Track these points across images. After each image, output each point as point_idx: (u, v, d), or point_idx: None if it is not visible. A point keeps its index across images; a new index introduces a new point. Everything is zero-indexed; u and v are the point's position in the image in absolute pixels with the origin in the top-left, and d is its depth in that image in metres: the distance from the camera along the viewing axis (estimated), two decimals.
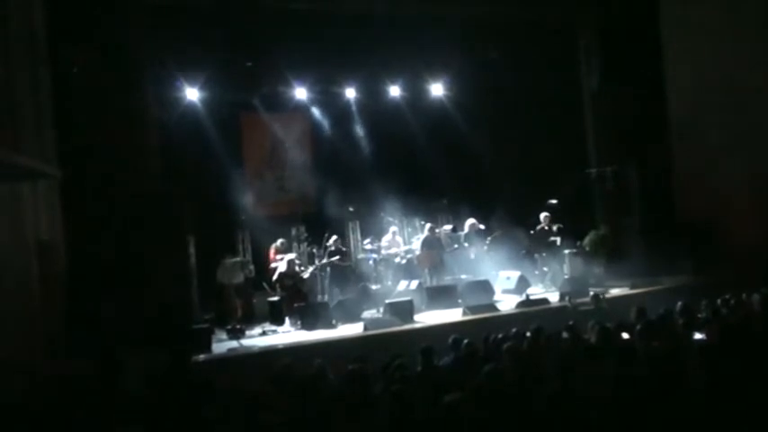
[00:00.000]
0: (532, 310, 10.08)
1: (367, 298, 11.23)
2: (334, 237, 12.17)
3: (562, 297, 10.63)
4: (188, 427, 5.46)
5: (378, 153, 14.44)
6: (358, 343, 8.98)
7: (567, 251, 12.37)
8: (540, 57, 13.69)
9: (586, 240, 13.02)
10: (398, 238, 13.05)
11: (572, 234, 12.71)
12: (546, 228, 12.66)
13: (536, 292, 11.78)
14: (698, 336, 6.22)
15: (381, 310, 10.65)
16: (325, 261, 11.73)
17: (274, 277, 11.30)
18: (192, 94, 12.70)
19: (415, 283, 11.44)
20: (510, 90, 14.22)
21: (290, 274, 11.16)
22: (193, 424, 5.41)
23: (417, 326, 9.86)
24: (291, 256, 11.54)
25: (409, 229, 13.70)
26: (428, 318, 10.32)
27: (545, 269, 12.64)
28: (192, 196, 10.86)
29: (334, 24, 12.10)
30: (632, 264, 11.83)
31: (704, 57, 12.69)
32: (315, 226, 12.88)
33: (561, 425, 4.13)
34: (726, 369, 4.74)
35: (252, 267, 11.66)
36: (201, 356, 8.73)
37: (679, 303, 7.31)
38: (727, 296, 7.91)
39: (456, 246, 12.80)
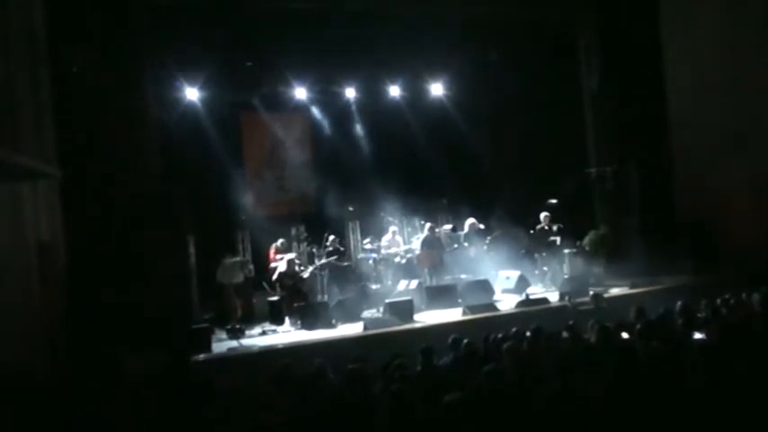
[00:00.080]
0: (532, 310, 10.08)
1: (367, 298, 11.23)
2: (331, 237, 12.18)
3: (562, 297, 10.63)
4: (188, 426, 5.46)
5: (378, 153, 14.46)
6: (358, 343, 8.97)
7: (566, 251, 12.37)
8: (540, 57, 13.70)
9: (586, 240, 13.03)
10: (398, 238, 13.06)
11: (572, 234, 12.71)
12: (546, 227, 12.66)
13: (536, 291, 11.77)
14: (697, 335, 6.22)
15: (381, 309, 10.64)
16: (322, 261, 11.73)
17: (274, 277, 11.31)
18: (192, 93, 12.72)
19: (414, 283, 11.44)
20: (510, 90, 14.23)
21: (290, 273, 11.17)
22: (193, 424, 5.41)
23: (417, 325, 9.85)
24: (291, 255, 11.54)
25: (409, 229, 13.71)
26: (428, 317, 10.32)
27: (545, 269, 12.63)
28: (192, 196, 10.86)
29: (334, 24, 12.10)
30: (632, 263, 11.82)
31: (704, 57, 12.69)
32: (315, 226, 12.89)
33: (561, 425, 4.13)
34: (725, 369, 4.74)
35: (251, 267, 11.67)
36: (201, 356, 8.72)
37: (679, 303, 7.30)
38: (726, 296, 7.91)
39: (456, 245, 12.80)
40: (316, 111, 14.41)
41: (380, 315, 10.47)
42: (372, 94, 14.46)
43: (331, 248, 11.94)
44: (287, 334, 10.03)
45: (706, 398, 4.37)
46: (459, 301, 10.96)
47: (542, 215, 12.71)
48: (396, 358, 6.17)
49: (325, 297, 11.49)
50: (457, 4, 12.62)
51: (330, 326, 10.08)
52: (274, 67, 12.98)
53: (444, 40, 12.69)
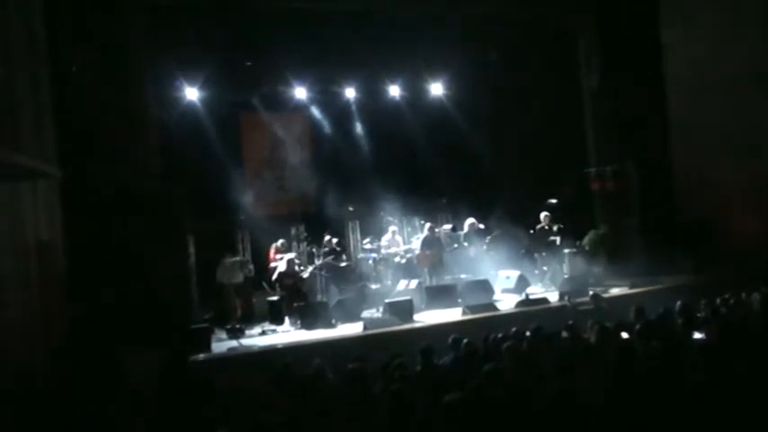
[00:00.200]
0: (532, 310, 10.08)
1: (366, 297, 11.24)
2: (327, 236, 12.18)
3: (562, 296, 10.63)
4: (188, 426, 5.47)
5: (377, 153, 14.46)
6: (357, 342, 8.97)
7: (566, 251, 12.38)
8: (539, 56, 13.71)
9: (586, 240, 13.03)
10: (398, 238, 13.06)
11: (572, 234, 12.72)
12: (546, 227, 12.66)
13: (536, 291, 11.77)
14: (697, 335, 6.23)
15: (381, 309, 10.65)
16: (319, 262, 11.72)
17: (274, 277, 11.31)
18: (192, 93, 12.73)
19: (414, 283, 11.44)
20: (510, 90, 14.24)
21: (290, 273, 11.17)
22: (193, 424, 5.42)
23: (417, 325, 9.85)
24: (291, 255, 11.54)
25: (409, 229, 13.71)
26: (428, 317, 10.32)
27: (544, 269, 12.64)
28: (192, 196, 10.87)
29: (334, 24, 12.10)
30: (632, 263, 11.83)
31: (704, 57, 12.69)
32: (314, 225, 12.90)
33: (561, 424, 4.14)
34: (725, 369, 4.74)
35: (251, 267, 11.67)
36: (201, 356, 8.73)
37: (678, 303, 7.31)
38: (726, 296, 7.91)
39: (456, 245, 12.81)
40: (315, 110, 14.42)
41: (380, 315, 10.47)
42: (372, 94, 14.46)
43: (327, 249, 11.94)
44: (287, 334, 10.04)
45: (706, 398, 4.37)
46: (459, 300, 10.96)
47: (542, 215, 12.72)
48: (395, 358, 6.17)
49: (325, 297, 11.49)
50: (457, 4, 12.61)
51: (330, 326, 10.08)
52: (274, 67, 12.98)
53: (444, 40, 12.69)
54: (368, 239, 12.92)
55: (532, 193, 13.52)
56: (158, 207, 9.66)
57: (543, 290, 12.03)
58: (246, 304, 11.16)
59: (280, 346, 9.11)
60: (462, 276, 12.24)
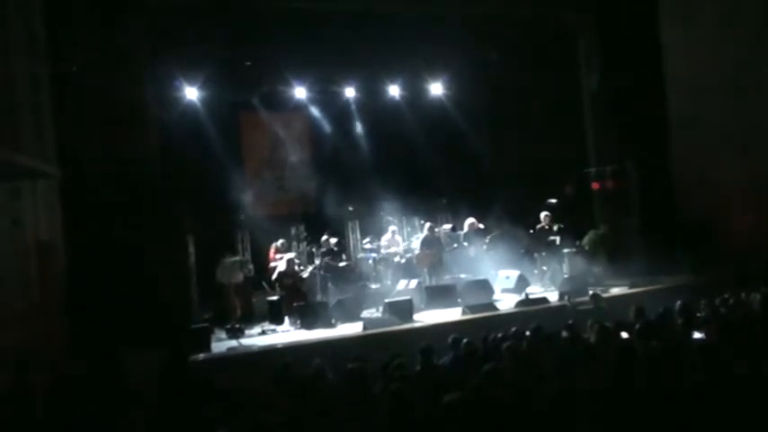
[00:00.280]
0: (532, 310, 10.07)
1: (366, 297, 11.24)
2: (324, 237, 12.18)
3: (561, 296, 10.63)
4: (188, 426, 5.47)
5: (377, 153, 14.46)
6: (357, 342, 8.97)
7: (566, 250, 12.38)
8: (539, 56, 13.70)
9: (586, 240, 13.03)
10: (398, 238, 13.06)
11: (572, 233, 12.72)
12: (546, 227, 12.66)
13: (535, 291, 11.77)
14: (697, 335, 6.23)
15: (381, 309, 10.65)
16: (317, 262, 11.71)
17: (274, 276, 11.32)
18: (192, 93, 12.73)
19: (414, 283, 11.44)
20: (510, 90, 14.23)
21: (290, 273, 11.17)
22: (193, 424, 5.42)
23: (417, 325, 9.85)
24: (291, 255, 11.54)
25: (408, 229, 13.71)
26: (427, 317, 10.32)
27: (544, 268, 12.63)
28: (192, 196, 10.87)
29: (334, 24, 12.09)
30: (632, 263, 11.83)
31: (704, 57, 12.69)
32: (314, 225, 12.91)
33: (561, 424, 4.14)
34: (725, 369, 4.75)
35: (251, 267, 11.67)
36: (201, 356, 8.73)
37: (678, 303, 7.31)
38: (726, 296, 7.91)
39: (455, 245, 12.81)
40: (315, 110, 14.41)
41: (380, 315, 10.48)
42: (372, 94, 14.47)
43: (325, 249, 11.93)
44: (286, 334, 10.04)
45: (706, 398, 4.37)
46: (459, 300, 10.96)
47: (542, 215, 12.71)
48: (395, 358, 6.17)
49: (325, 297, 11.49)
50: (457, 4, 12.61)
51: (330, 325, 10.09)
52: (274, 67, 12.98)
53: (444, 40, 12.69)
54: (368, 239, 12.92)
55: (532, 193, 13.51)
56: (158, 207, 9.66)
57: (543, 290, 12.02)
58: (246, 304, 11.16)
59: (279, 346, 9.11)
60: (462, 276, 12.24)
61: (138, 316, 8.74)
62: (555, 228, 12.61)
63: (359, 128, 14.66)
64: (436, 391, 4.68)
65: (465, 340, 6.60)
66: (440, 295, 11.23)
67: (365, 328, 9.63)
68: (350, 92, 14.21)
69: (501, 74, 14.16)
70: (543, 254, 12.63)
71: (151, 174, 10.00)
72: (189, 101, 12.76)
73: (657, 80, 13.44)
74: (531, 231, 12.81)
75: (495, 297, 11.35)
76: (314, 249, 12.07)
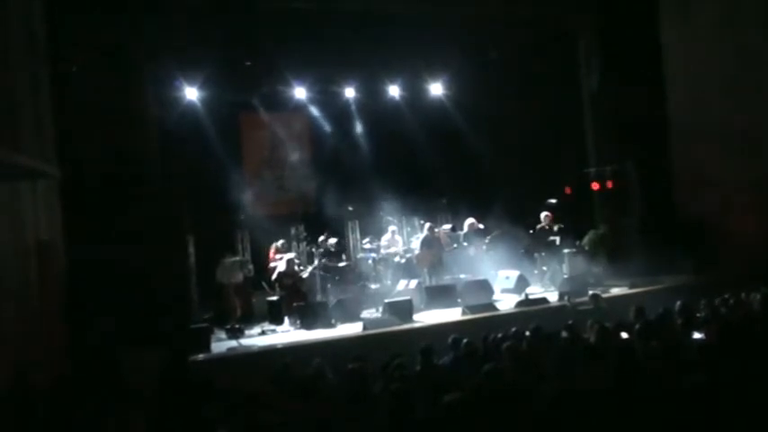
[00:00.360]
0: (532, 310, 10.09)
1: (366, 297, 11.24)
2: (322, 237, 12.18)
3: (561, 296, 10.64)
4: (188, 426, 5.47)
5: (377, 153, 14.45)
6: (357, 342, 8.98)
7: (566, 250, 12.37)
8: (540, 57, 13.70)
9: (585, 240, 13.03)
10: (398, 238, 13.06)
11: (572, 234, 12.72)
12: (546, 227, 12.67)
13: (535, 291, 11.78)
14: (697, 335, 6.23)
15: (380, 309, 10.66)
16: (315, 264, 11.70)
17: (273, 277, 11.32)
18: (192, 93, 12.72)
19: (414, 283, 11.44)
20: (510, 90, 14.22)
21: (290, 273, 11.17)
22: (193, 424, 5.42)
23: (416, 325, 9.86)
24: (290, 255, 11.54)
25: (408, 229, 13.71)
26: (427, 317, 10.32)
27: (544, 269, 12.64)
28: (192, 196, 10.86)
29: (334, 24, 12.09)
30: (632, 263, 11.83)
31: (704, 57, 12.69)
32: (314, 225, 12.91)
33: (561, 424, 4.14)
34: (725, 369, 4.74)
35: (251, 267, 11.67)
36: (201, 356, 8.74)
37: (678, 303, 7.31)
38: (726, 296, 7.92)
39: (455, 245, 12.81)
40: (315, 110, 14.40)
41: (380, 315, 10.48)
42: (372, 94, 14.46)
43: (322, 249, 11.93)
44: (286, 334, 10.05)
45: (706, 398, 4.37)
46: (459, 300, 10.97)
47: (543, 215, 12.72)
48: (395, 358, 6.18)
49: (325, 297, 11.48)
50: (457, 4, 12.61)
51: (329, 326, 10.09)
52: (274, 67, 12.97)
53: (444, 40, 12.69)
54: (367, 239, 12.92)
55: (532, 193, 13.52)
56: (158, 207, 9.66)
57: (543, 290, 12.03)
58: (246, 304, 11.16)
59: (279, 346, 9.12)
60: (462, 276, 12.25)
61: (138, 316, 8.74)
62: (555, 228, 12.61)
63: (359, 128, 14.66)
64: (436, 391, 4.68)
65: (465, 340, 6.60)
66: (440, 295, 11.23)
67: (365, 328, 9.63)
68: (350, 92, 14.20)
69: (501, 74, 14.15)
70: (543, 254, 12.64)
71: (151, 174, 10.00)
72: (189, 101, 12.74)
73: (657, 80, 13.44)
74: (531, 231, 12.82)
75: (494, 297, 11.35)
76: (314, 249, 12.07)
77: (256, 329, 10.34)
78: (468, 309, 10.17)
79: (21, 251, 7.57)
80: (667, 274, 11.67)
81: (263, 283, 11.54)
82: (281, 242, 12.20)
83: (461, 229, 12.97)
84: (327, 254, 11.93)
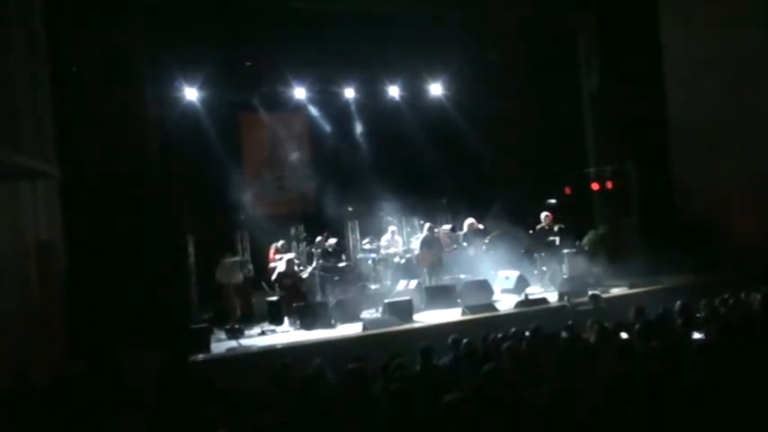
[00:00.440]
0: (531, 310, 10.09)
1: (366, 298, 11.24)
2: (319, 237, 12.17)
3: (561, 297, 10.63)
4: (188, 426, 5.47)
5: (377, 153, 14.44)
6: (357, 342, 8.97)
7: (566, 251, 12.37)
8: (539, 56, 13.71)
9: (585, 240, 13.03)
10: (397, 238, 13.06)
11: (572, 234, 12.72)
12: (546, 227, 12.67)
13: (535, 291, 11.78)
14: (697, 335, 6.23)
15: (380, 309, 10.66)
16: (312, 265, 11.69)
17: (273, 277, 11.31)
18: (192, 93, 12.72)
19: (414, 283, 11.44)
20: (510, 90, 14.22)
21: (289, 273, 11.17)
22: (193, 424, 5.42)
23: (416, 325, 9.86)
24: (290, 255, 11.54)
25: (408, 229, 13.70)
26: (427, 317, 10.32)
27: (544, 269, 12.64)
28: (192, 196, 10.86)
29: (333, 24, 12.10)
30: (632, 263, 11.84)
31: (704, 57, 12.70)
32: (314, 225, 12.89)
33: (561, 424, 4.14)
34: (725, 369, 4.75)
35: (251, 267, 11.66)
36: (200, 356, 8.73)
37: (678, 303, 7.31)
38: (725, 296, 7.92)
39: (455, 245, 12.80)
40: (315, 111, 14.40)
41: (380, 315, 10.48)
42: (372, 94, 14.46)
43: (319, 249, 11.93)
44: (286, 334, 10.04)
45: (706, 398, 4.37)
46: (459, 301, 10.97)
47: (543, 215, 12.72)
48: (395, 358, 6.17)
49: (325, 297, 11.48)
50: (457, 4, 12.61)
51: (329, 326, 10.09)
52: (274, 67, 12.98)
53: (444, 40, 12.70)
54: (367, 239, 12.92)
55: (532, 193, 13.52)
56: (158, 207, 9.66)
57: (542, 290, 12.03)
58: (246, 304, 11.16)
59: (279, 347, 9.11)
60: (462, 276, 12.24)
61: (138, 316, 8.74)
62: (556, 228, 12.60)
63: (359, 128, 14.64)
64: (436, 391, 4.68)
65: (465, 340, 6.60)
66: (439, 295, 11.23)
67: (365, 328, 9.63)
68: (350, 92, 14.20)
69: (501, 74, 14.16)
70: (543, 254, 12.64)
71: (151, 174, 10.00)
72: (189, 101, 12.74)
73: (657, 80, 13.44)
74: (531, 232, 12.82)
75: (494, 297, 11.35)
76: (313, 250, 12.07)
77: (256, 330, 10.34)
78: (468, 309, 10.17)
79: (21, 251, 7.57)
80: (667, 274, 11.66)
81: (263, 284, 11.53)
82: (281, 242, 12.20)
83: (461, 230, 12.97)
84: (325, 254, 11.92)
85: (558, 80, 13.99)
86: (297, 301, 10.73)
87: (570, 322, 7.23)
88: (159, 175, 10.22)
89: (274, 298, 10.92)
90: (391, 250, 12.69)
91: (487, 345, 6.84)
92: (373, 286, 12.01)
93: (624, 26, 13.35)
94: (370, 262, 12.54)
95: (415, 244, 12.72)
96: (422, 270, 12.23)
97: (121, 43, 9.68)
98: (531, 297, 10.85)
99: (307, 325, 10.05)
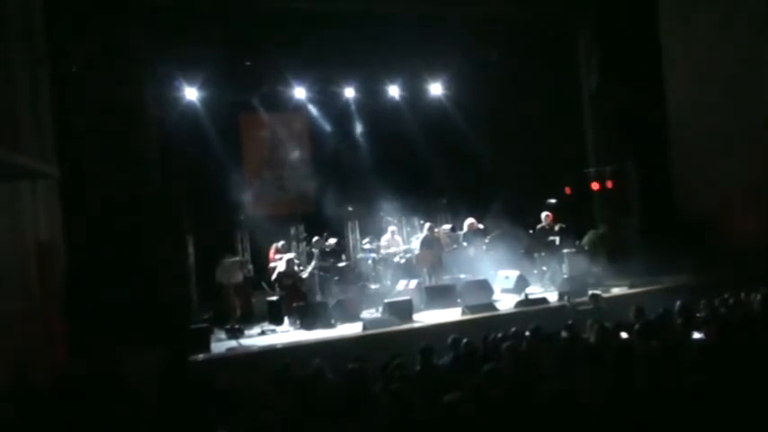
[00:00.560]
0: (531, 310, 10.08)
1: (366, 297, 11.24)
2: (316, 237, 12.17)
3: (561, 296, 10.63)
4: (188, 426, 5.47)
5: (377, 153, 14.44)
6: (357, 342, 8.97)
7: (566, 250, 12.37)
8: (539, 56, 13.70)
9: (585, 240, 13.03)
10: (397, 238, 13.06)
11: (572, 234, 12.72)
12: (546, 227, 12.67)
13: (535, 291, 11.77)
14: (697, 335, 6.23)
15: (380, 309, 10.66)
16: (310, 267, 11.69)
17: (273, 277, 11.31)
18: (192, 93, 12.72)
19: (414, 283, 11.43)
20: (510, 90, 14.22)
21: (289, 273, 11.17)
22: (193, 424, 5.42)
23: (416, 325, 9.85)
24: (290, 255, 11.54)
25: (408, 229, 13.70)
26: (427, 317, 10.32)
27: (544, 269, 12.63)
28: (192, 196, 10.87)
29: (334, 24, 12.10)
30: (632, 263, 11.83)
31: (704, 57, 12.70)
32: (314, 225, 12.90)
33: (560, 424, 4.14)
34: (725, 369, 4.75)
35: (251, 267, 11.67)
36: (200, 356, 8.73)
37: (678, 303, 7.30)
38: (725, 296, 7.92)
39: (455, 245, 12.80)
40: (315, 111, 14.40)
41: (380, 315, 10.48)
42: (372, 94, 14.46)
43: (316, 250, 11.93)
44: (286, 334, 10.04)
45: (706, 398, 4.37)
46: (459, 300, 10.96)
47: (543, 215, 12.72)
48: (395, 358, 6.17)
49: (325, 297, 11.47)
50: (457, 4, 12.62)
51: (329, 326, 10.09)
52: (274, 67, 12.97)
53: (444, 40, 12.70)
54: (367, 239, 12.92)
55: (532, 193, 13.51)
56: (158, 207, 9.66)
57: (542, 290, 12.02)
58: (246, 304, 11.16)
59: (279, 346, 9.11)
60: (461, 276, 12.24)
61: (138, 316, 8.75)
62: (556, 228, 12.60)
63: (359, 128, 14.65)
64: (436, 391, 4.68)
65: (465, 340, 6.59)
66: (439, 295, 11.23)
67: (365, 328, 9.63)
68: (350, 92, 14.20)
69: (501, 74, 14.15)
70: (543, 254, 12.63)
71: (151, 174, 10.01)
72: (189, 101, 12.74)
73: (657, 80, 13.44)
74: (531, 231, 12.82)
75: (494, 297, 11.35)
76: (313, 250, 12.07)
77: (256, 329, 10.34)
78: (468, 309, 10.17)
79: (21, 251, 7.58)
80: (667, 274, 11.66)
81: (263, 284, 11.54)
82: (281, 243, 12.20)
83: (461, 230, 12.96)
84: (323, 253, 11.92)
85: (558, 80, 13.98)
86: (297, 301, 10.73)
87: (570, 322, 7.22)
88: (159, 175, 10.22)
89: (274, 298, 10.92)
90: (391, 250, 12.69)
91: (487, 345, 6.83)
92: (373, 286, 12.01)
93: (624, 26, 13.35)
94: (370, 262, 12.54)
95: (415, 244, 12.71)
96: (422, 270, 12.23)
97: (121, 43, 9.69)
98: (531, 297, 10.85)
99: (307, 325, 10.05)
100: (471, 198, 13.78)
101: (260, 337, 9.95)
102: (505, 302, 10.93)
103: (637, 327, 6.41)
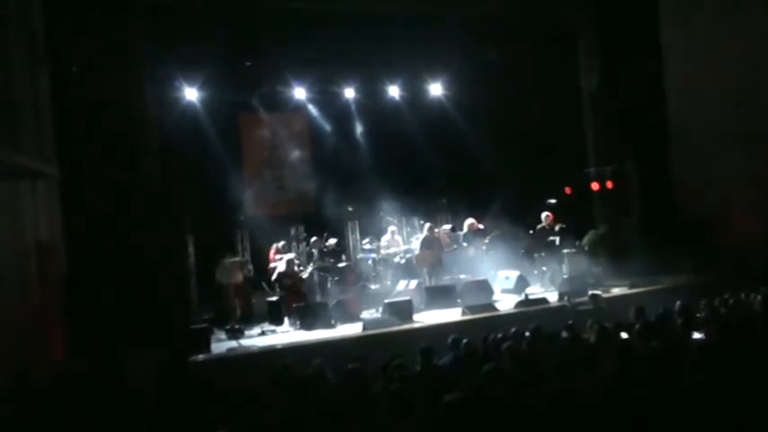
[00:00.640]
0: (531, 310, 10.08)
1: (366, 298, 11.24)
2: (314, 238, 12.15)
3: (561, 297, 10.63)
4: (188, 426, 5.47)
5: (377, 153, 14.45)
6: (357, 343, 8.97)
7: (566, 251, 12.37)
8: (539, 57, 13.70)
9: (585, 240, 13.03)
10: (397, 238, 13.06)
11: (572, 234, 12.72)
12: (546, 227, 12.66)
13: (535, 291, 11.77)
14: (697, 335, 6.23)
15: (380, 309, 10.66)
16: (310, 268, 11.69)
17: (273, 277, 11.31)
18: (192, 93, 12.72)
19: (414, 283, 11.43)
20: (510, 90, 14.22)
21: (289, 273, 11.17)
22: (193, 424, 5.42)
23: (416, 325, 9.85)
24: (290, 255, 11.54)
25: (408, 229, 13.70)
26: (427, 317, 10.32)
27: (544, 269, 12.63)
28: (192, 196, 10.86)
29: (334, 24, 12.10)
30: (632, 263, 11.83)
31: (704, 57, 12.70)
32: (314, 225, 12.90)
33: (561, 425, 4.14)
34: (725, 369, 4.74)
35: (251, 267, 11.68)
36: (201, 356, 8.73)
37: (678, 303, 7.31)
38: (726, 296, 7.92)
39: (455, 245, 12.80)
40: (315, 110, 14.40)
41: (380, 315, 10.48)
42: (372, 94, 14.46)
43: (315, 250, 11.91)
44: (286, 334, 10.04)
45: (705, 398, 4.37)
46: (459, 301, 10.96)
47: (543, 215, 12.72)
48: (395, 358, 6.17)
49: (325, 297, 11.47)
50: (457, 4, 12.61)
51: (329, 326, 10.08)
52: (274, 67, 12.97)
53: (444, 40, 12.70)
54: (367, 240, 12.92)
55: (532, 193, 13.51)
56: (158, 207, 9.66)
57: (542, 290, 12.02)
58: (246, 304, 11.15)
59: (279, 347, 9.11)
60: (461, 277, 12.23)
61: (138, 316, 8.74)
62: (557, 228, 12.60)
63: (358, 128, 14.65)
64: (436, 391, 4.68)
65: (465, 340, 6.60)
66: (439, 296, 11.23)
67: (365, 328, 9.63)
68: (350, 92, 14.20)
69: (501, 74, 14.15)
70: (543, 254, 12.63)
71: (151, 174, 10.00)
72: (189, 101, 12.75)
73: (657, 80, 13.44)
74: (531, 232, 12.82)
75: (494, 297, 11.35)
76: (313, 250, 12.07)
77: (256, 330, 10.33)
78: (468, 309, 10.17)
79: (21, 251, 7.58)
80: (667, 274, 11.67)
81: (263, 284, 11.54)
82: (281, 243, 12.20)
83: (461, 230, 12.96)
84: (321, 254, 11.92)
85: (558, 80, 13.98)
86: (297, 301, 10.73)
87: (570, 322, 7.23)
88: (159, 175, 10.22)
89: (274, 298, 10.92)
90: (391, 250, 12.69)
91: (487, 345, 6.84)
92: (373, 286, 12.01)
93: (624, 26, 13.34)
94: (370, 262, 12.55)
95: (415, 244, 12.71)
96: (422, 270, 12.22)
97: (121, 43, 9.68)
98: (531, 297, 10.85)
99: (307, 325, 10.05)
100: (471, 198, 13.77)
101: (260, 338, 9.95)
102: (505, 303, 10.94)
103: (637, 327, 6.41)
